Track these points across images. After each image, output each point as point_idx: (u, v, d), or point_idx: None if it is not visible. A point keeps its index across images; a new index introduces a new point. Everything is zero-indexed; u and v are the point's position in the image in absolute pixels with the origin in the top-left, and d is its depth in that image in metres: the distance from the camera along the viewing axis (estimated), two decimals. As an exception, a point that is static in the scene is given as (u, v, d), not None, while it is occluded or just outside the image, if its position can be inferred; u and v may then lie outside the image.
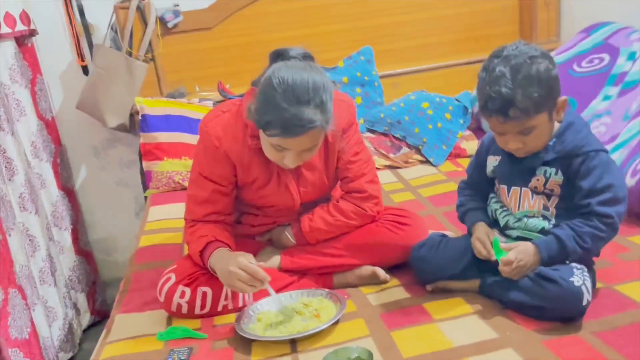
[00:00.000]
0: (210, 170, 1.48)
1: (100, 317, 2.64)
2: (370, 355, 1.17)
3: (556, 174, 1.31)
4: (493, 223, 1.44)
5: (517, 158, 1.36)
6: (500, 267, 1.30)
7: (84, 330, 2.51)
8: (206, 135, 1.47)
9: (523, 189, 1.36)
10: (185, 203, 1.57)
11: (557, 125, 1.32)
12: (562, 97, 1.29)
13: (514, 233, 1.38)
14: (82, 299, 2.54)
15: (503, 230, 1.41)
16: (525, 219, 1.36)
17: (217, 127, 1.46)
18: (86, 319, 2.55)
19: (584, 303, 1.22)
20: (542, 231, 1.34)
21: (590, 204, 1.27)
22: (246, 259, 1.35)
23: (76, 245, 2.56)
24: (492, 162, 1.44)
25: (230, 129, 1.45)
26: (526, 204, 1.36)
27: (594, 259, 1.38)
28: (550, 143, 1.31)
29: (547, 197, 1.33)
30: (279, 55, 1.39)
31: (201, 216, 1.51)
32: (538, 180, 1.33)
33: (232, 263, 1.34)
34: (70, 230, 2.52)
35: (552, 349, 1.15)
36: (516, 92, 1.21)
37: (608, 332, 1.18)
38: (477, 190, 1.50)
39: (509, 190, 1.39)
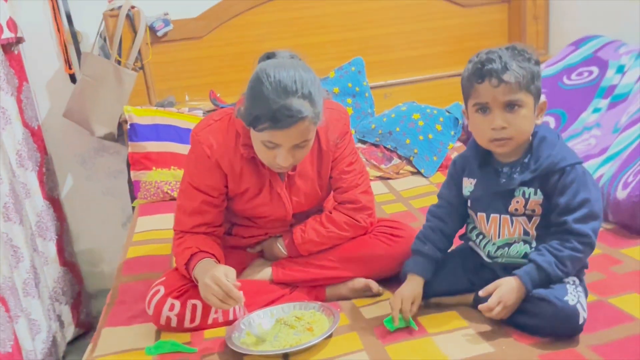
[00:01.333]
0: (201, 180, 1.46)
1: (85, 330, 2.58)
2: (365, 370, 1.15)
3: (535, 194, 1.29)
4: (471, 255, 1.43)
5: (494, 181, 1.33)
6: (486, 314, 1.27)
7: (68, 343, 2.46)
8: (197, 144, 1.45)
9: (502, 216, 1.33)
10: (174, 214, 1.54)
11: (532, 135, 1.32)
12: (545, 100, 1.31)
13: (499, 260, 1.36)
14: (66, 311, 2.48)
15: (490, 258, 1.38)
16: (506, 248, 1.34)
17: (208, 136, 1.44)
18: (70, 331, 2.50)
19: (581, 322, 1.20)
20: (525, 256, 1.32)
21: (567, 222, 1.26)
22: (224, 273, 1.31)
23: (61, 256, 2.51)
24: (468, 185, 1.40)
25: (222, 137, 1.44)
26: (506, 232, 1.34)
27: (585, 271, 1.37)
28: (525, 160, 1.30)
29: (528, 218, 1.32)
30: (267, 58, 1.38)
31: (190, 227, 1.48)
32: (518, 202, 1.31)
33: (209, 276, 1.31)
34: (55, 241, 2.47)
35: (548, 364, 1.13)
36: (512, 60, 1.24)
37: (604, 346, 1.17)
38: (452, 215, 1.45)
39: (488, 218, 1.36)
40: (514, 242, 1.33)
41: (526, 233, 1.33)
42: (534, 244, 1.32)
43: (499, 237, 1.35)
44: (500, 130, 1.26)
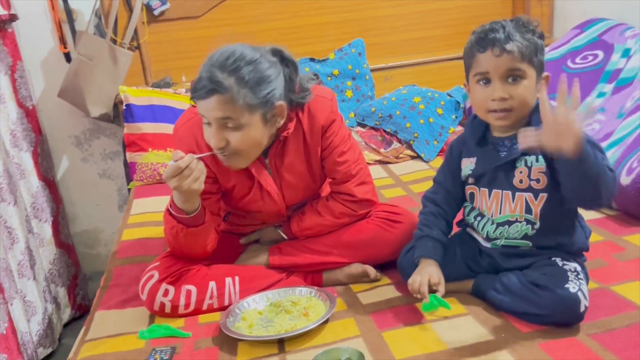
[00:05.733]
0: None
1: (82, 312, 2.57)
2: (362, 356, 1.13)
3: (537, 160, 1.26)
4: (469, 242, 1.39)
5: (495, 155, 1.30)
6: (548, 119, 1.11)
7: (65, 325, 2.45)
8: (179, 141, 1.44)
9: (504, 191, 1.30)
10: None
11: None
12: (547, 73, 1.28)
13: (498, 242, 1.33)
14: (62, 293, 2.47)
15: (488, 241, 1.36)
16: (506, 226, 1.31)
17: (187, 132, 1.42)
18: (67, 313, 2.49)
19: (582, 310, 1.18)
20: (526, 237, 1.29)
21: None
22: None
23: (57, 238, 2.49)
24: (468, 165, 1.37)
25: (201, 133, 1.37)
26: (507, 208, 1.30)
27: (587, 257, 1.34)
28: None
29: (534, 195, 1.28)
30: (275, 53, 1.35)
31: None
32: (521, 172, 1.28)
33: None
34: (50, 223, 2.44)
35: (548, 352, 1.11)
36: (516, 31, 1.22)
37: (605, 334, 1.15)
38: (449, 201, 1.42)
39: (490, 194, 1.33)
40: (515, 220, 1.30)
41: (529, 210, 1.28)
42: (537, 225, 1.28)
43: (500, 213, 1.31)
44: (501, 102, 1.23)
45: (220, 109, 1.26)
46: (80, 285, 2.63)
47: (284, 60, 1.35)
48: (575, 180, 1.15)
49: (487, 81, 1.25)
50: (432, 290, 1.30)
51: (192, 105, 1.37)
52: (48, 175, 2.52)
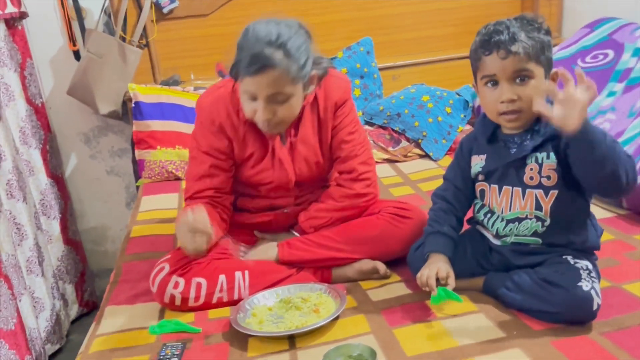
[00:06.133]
0: (208, 144, 1.49)
1: (89, 309, 2.58)
2: (373, 353, 1.13)
3: (548, 157, 1.25)
4: (480, 239, 1.39)
5: (506, 152, 1.30)
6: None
7: (72, 322, 2.45)
8: (202, 110, 1.50)
9: (514, 188, 1.30)
10: (185, 183, 1.56)
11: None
12: (556, 70, 1.26)
13: (509, 240, 1.33)
14: (70, 290, 2.48)
15: (498, 238, 1.35)
16: (516, 223, 1.30)
17: (212, 102, 1.49)
18: (74, 310, 2.49)
19: (595, 308, 1.17)
20: (536, 234, 1.29)
21: None
22: (190, 212, 1.29)
23: (65, 234, 2.50)
24: (478, 162, 1.37)
25: (224, 103, 1.47)
26: (517, 205, 1.30)
27: (598, 255, 1.33)
28: (536, 127, 1.27)
29: (545, 191, 1.27)
30: None
31: (198, 191, 1.49)
32: (532, 169, 1.27)
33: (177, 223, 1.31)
34: (59, 219, 2.45)
35: (562, 350, 1.10)
36: (521, 31, 1.21)
37: (618, 333, 1.14)
38: (459, 198, 1.42)
39: (500, 190, 1.32)
40: (525, 217, 1.29)
41: (539, 207, 1.28)
42: (547, 222, 1.28)
43: (510, 209, 1.31)
44: (510, 103, 1.23)
45: (272, 85, 1.32)
46: (87, 282, 2.64)
47: (306, 32, 1.41)
48: (589, 165, 1.14)
49: (495, 83, 1.25)
50: (441, 285, 1.30)
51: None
52: (56, 172, 2.52)
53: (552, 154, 1.25)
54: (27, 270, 2.09)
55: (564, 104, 1.09)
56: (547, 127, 1.25)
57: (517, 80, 1.22)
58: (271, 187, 1.55)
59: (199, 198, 1.48)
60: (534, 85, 1.22)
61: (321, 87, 1.50)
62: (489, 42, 1.22)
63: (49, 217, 2.38)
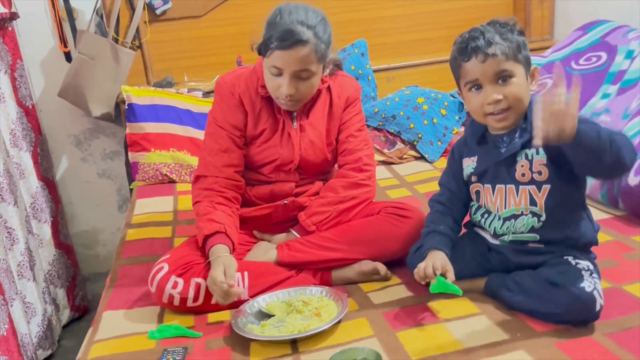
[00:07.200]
0: (225, 118, 1.56)
1: (80, 313, 2.54)
2: (379, 356, 1.12)
3: (537, 153, 1.28)
4: (478, 240, 1.39)
5: (496, 151, 1.32)
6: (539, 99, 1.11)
7: (64, 327, 2.41)
8: (222, 85, 1.59)
9: (508, 185, 1.32)
10: (199, 160, 1.61)
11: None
12: (535, 65, 1.31)
13: (507, 238, 1.34)
14: (61, 294, 2.44)
15: (496, 237, 1.36)
16: (512, 220, 1.32)
17: (232, 78, 1.59)
18: (65, 315, 2.45)
19: (597, 308, 1.18)
20: (532, 230, 1.30)
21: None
22: (224, 271, 1.33)
23: (56, 238, 2.46)
24: (469, 164, 1.39)
25: (244, 80, 1.57)
26: (512, 202, 1.31)
27: (597, 255, 1.34)
28: (523, 125, 1.29)
29: (537, 186, 1.29)
30: None
31: (219, 168, 1.54)
32: (523, 166, 1.29)
33: (210, 276, 1.34)
34: (50, 223, 2.41)
35: (566, 352, 1.10)
36: (495, 34, 1.25)
37: (621, 334, 1.15)
38: (454, 202, 1.44)
39: (494, 189, 1.34)
40: (521, 213, 1.31)
41: (533, 203, 1.29)
42: (543, 217, 1.29)
43: (505, 207, 1.32)
44: (496, 104, 1.26)
45: (301, 61, 1.41)
46: (78, 286, 2.60)
47: (328, 21, 1.49)
48: (592, 154, 1.13)
49: (479, 87, 1.28)
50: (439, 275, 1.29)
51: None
52: (47, 175, 2.49)
53: (540, 150, 1.28)
54: (19, 275, 2.05)
55: (553, 118, 1.09)
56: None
57: (500, 81, 1.26)
58: (274, 166, 1.59)
59: (216, 187, 1.53)
60: (516, 82, 1.26)
61: (335, 82, 1.61)
62: (466, 49, 1.26)
63: (39, 220, 2.34)
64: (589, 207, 1.36)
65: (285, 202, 1.60)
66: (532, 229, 1.30)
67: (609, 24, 2.33)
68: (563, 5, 2.79)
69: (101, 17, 2.43)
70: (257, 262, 1.49)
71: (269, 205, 1.60)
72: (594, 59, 2.23)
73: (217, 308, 1.40)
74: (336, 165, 1.70)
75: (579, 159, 1.18)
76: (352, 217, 1.58)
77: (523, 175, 1.30)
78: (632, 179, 1.66)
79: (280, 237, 1.59)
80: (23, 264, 2.08)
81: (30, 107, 2.39)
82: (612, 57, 2.18)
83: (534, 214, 1.29)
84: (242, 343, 1.25)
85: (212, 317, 1.38)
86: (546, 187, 1.28)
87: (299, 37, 1.38)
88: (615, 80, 2.10)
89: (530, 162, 1.28)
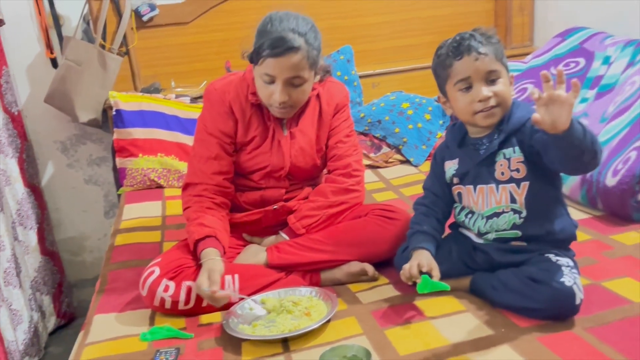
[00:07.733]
0: (215, 126, 1.57)
1: (67, 320, 2.53)
2: (368, 353, 1.15)
3: (514, 152, 1.33)
4: (463, 240, 1.44)
5: (475, 153, 1.37)
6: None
7: (50, 334, 2.40)
8: (212, 92, 1.59)
9: (488, 185, 1.36)
10: (187, 168, 1.62)
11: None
12: (511, 73, 1.38)
13: (490, 236, 1.38)
14: (47, 301, 2.42)
15: (480, 236, 1.41)
16: (495, 218, 1.36)
17: (222, 85, 1.59)
18: (52, 322, 2.44)
19: (577, 302, 1.22)
20: (515, 226, 1.34)
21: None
22: (206, 279, 1.35)
23: (42, 245, 2.45)
24: (451, 166, 1.44)
25: (235, 87, 1.58)
26: (493, 200, 1.36)
27: (573, 248, 1.38)
28: (501, 127, 1.34)
29: (517, 184, 1.33)
30: None
31: (208, 175, 1.54)
32: (502, 165, 1.34)
33: (196, 281, 1.36)
34: (36, 230, 2.40)
35: (548, 346, 1.14)
36: (482, 37, 1.32)
37: (601, 328, 1.19)
38: (438, 204, 1.48)
39: (475, 189, 1.39)
40: (502, 211, 1.35)
41: (513, 200, 1.34)
42: (524, 214, 1.33)
43: (487, 206, 1.37)
44: (486, 101, 1.31)
45: (293, 68, 1.42)
46: (65, 293, 2.58)
47: (317, 29, 1.52)
48: (576, 148, 1.16)
49: (469, 87, 1.32)
50: (424, 274, 1.33)
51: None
52: (33, 181, 2.48)
53: (517, 148, 1.33)
54: (5, 282, 2.04)
55: (550, 105, 1.12)
56: (509, 121, 1.33)
57: (489, 81, 1.31)
58: (264, 173, 1.59)
59: (206, 194, 1.53)
60: (503, 83, 1.32)
61: (324, 88, 1.62)
62: (459, 48, 1.31)
63: (25, 227, 2.33)
64: (568, 206, 1.41)
65: (275, 207, 1.62)
66: (514, 226, 1.35)
67: (586, 30, 2.40)
68: (543, 12, 2.86)
69: (87, 24, 2.43)
70: (247, 265, 1.51)
71: (259, 211, 1.62)
72: (573, 65, 2.29)
73: (208, 310, 1.42)
74: (325, 170, 1.72)
75: (562, 152, 1.20)
76: (340, 220, 1.60)
77: (502, 174, 1.35)
78: (610, 180, 1.72)
79: (270, 239, 1.61)
80: (9, 271, 2.07)
81: (16, 113, 2.39)
82: (589, 63, 2.24)
83: (515, 211, 1.34)
84: (234, 343, 1.27)
85: (204, 318, 1.40)
86: (525, 185, 1.33)
87: (291, 44, 1.39)
88: (592, 85, 2.16)
89: (509, 160, 1.34)
